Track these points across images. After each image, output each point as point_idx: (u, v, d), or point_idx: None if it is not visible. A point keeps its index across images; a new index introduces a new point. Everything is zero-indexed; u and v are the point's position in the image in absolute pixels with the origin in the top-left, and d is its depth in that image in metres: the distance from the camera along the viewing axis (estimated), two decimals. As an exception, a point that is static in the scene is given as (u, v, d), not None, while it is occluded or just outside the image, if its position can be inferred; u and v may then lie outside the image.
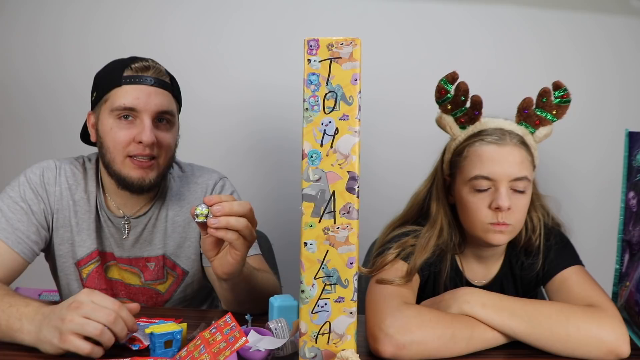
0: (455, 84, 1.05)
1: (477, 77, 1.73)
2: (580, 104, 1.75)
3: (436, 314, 0.92)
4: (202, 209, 0.88)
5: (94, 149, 1.19)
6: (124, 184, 1.11)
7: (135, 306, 0.89)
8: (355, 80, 0.78)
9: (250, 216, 0.90)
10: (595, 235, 1.66)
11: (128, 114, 1.08)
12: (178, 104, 1.18)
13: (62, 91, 1.75)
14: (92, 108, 1.15)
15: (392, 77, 1.75)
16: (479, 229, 1.02)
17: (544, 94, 1.04)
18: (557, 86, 1.05)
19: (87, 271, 1.18)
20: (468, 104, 1.07)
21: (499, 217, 0.99)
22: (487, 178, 1.00)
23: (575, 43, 1.78)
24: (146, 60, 1.12)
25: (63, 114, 1.75)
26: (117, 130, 1.08)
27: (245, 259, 0.94)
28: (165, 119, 1.12)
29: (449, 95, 1.06)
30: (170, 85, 1.14)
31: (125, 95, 1.07)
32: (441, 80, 1.06)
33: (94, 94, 1.13)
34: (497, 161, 1.00)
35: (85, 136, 1.21)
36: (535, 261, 1.08)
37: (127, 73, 1.09)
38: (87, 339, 0.81)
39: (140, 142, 1.07)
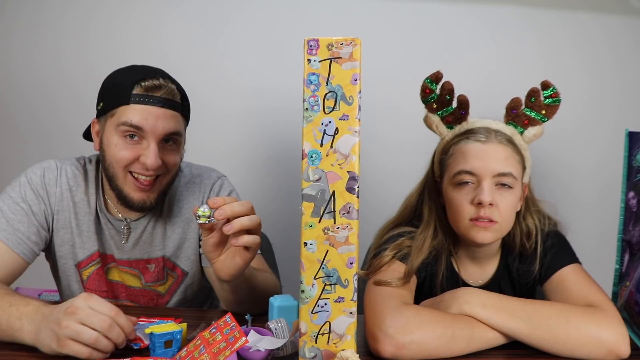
0: (440, 83, 1.05)
1: (477, 78, 1.72)
2: (580, 104, 1.76)
3: (436, 314, 0.92)
4: (204, 210, 0.87)
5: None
6: (124, 201, 1.10)
7: (133, 320, 0.88)
8: (355, 80, 0.78)
9: (252, 215, 0.89)
10: (595, 235, 1.66)
11: (134, 133, 1.05)
12: (186, 120, 1.15)
13: (61, 93, 1.75)
14: (97, 117, 1.12)
15: (392, 77, 1.75)
16: (462, 227, 1.02)
17: (532, 93, 1.04)
18: (545, 85, 1.04)
19: (87, 273, 1.18)
20: (454, 104, 1.06)
21: (481, 213, 0.98)
22: (469, 173, 1.00)
23: (575, 43, 1.78)
24: (157, 77, 1.06)
25: (62, 117, 1.75)
26: (121, 148, 1.06)
27: (252, 259, 0.94)
28: (172, 140, 1.09)
29: (434, 94, 1.06)
30: (180, 104, 1.10)
31: (133, 113, 1.04)
32: (425, 79, 1.06)
33: (101, 104, 1.10)
34: (481, 157, 1.00)
35: (88, 135, 1.19)
36: (531, 268, 1.07)
37: (136, 91, 1.04)
38: None
39: (144, 164, 1.05)
